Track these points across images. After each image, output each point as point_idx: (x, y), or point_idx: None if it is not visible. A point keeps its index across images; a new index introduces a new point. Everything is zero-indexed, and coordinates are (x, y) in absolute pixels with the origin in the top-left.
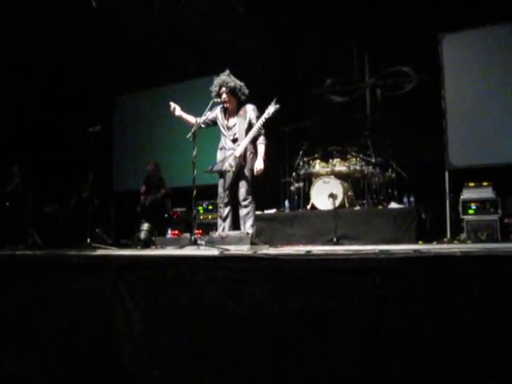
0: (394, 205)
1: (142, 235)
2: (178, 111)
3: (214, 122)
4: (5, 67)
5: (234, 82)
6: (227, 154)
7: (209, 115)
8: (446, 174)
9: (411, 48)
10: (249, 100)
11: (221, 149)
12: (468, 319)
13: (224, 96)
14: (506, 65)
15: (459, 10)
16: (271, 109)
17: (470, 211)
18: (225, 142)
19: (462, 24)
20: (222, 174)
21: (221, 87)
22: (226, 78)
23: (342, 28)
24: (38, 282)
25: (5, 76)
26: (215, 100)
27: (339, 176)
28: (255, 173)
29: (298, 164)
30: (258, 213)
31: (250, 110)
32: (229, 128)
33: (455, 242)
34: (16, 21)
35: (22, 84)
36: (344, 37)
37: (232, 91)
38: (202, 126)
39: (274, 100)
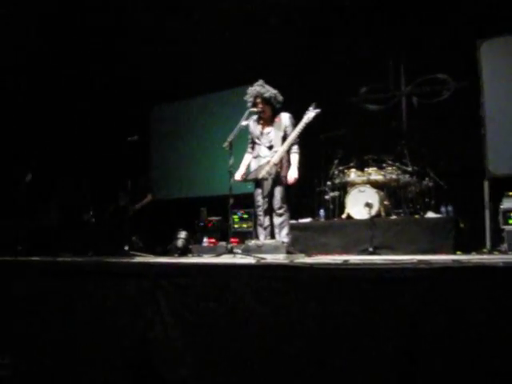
0: (431, 214)
1: (179, 243)
2: (242, 173)
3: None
4: (49, 81)
5: (268, 91)
6: (262, 162)
7: (244, 125)
8: (486, 182)
9: (448, 55)
10: (284, 108)
11: (255, 157)
12: (509, 331)
13: (260, 106)
14: None
15: (498, 16)
16: (311, 113)
17: (511, 221)
18: (259, 150)
19: (500, 30)
20: (258, 182)
21: (256, 97)
22: (260, 88)
23: (378, 35)
24: (77, 288)
25: (47, 90)
26: (251, 110)
27: (375, 185)
28: (289, 182)
29: (334, 173)
30: (293, 222)
31: (285, 118)
32: (264, 136)
33: (495, 252)
34: (60, 33)
35: (63, 97)
36: (379, 44)
37: (267, 101)
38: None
39: (314, 104)
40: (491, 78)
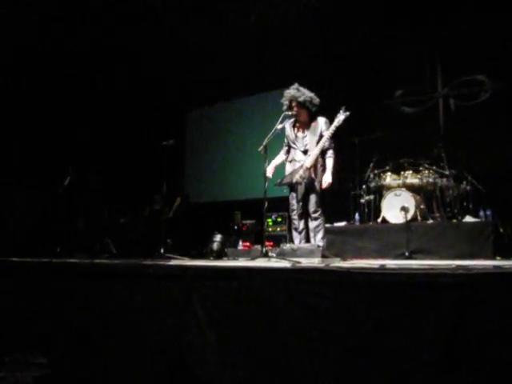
0: (469, 218)
1: (215, 246)
2: (272, 168)
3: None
4: (84, 85)
5: (303, 95)
6: (296, 166)
7: (280, 128)
8: None
9: (486, 55)
10: (320, 111)
11: (290, 161)
12: None
13: (295, 109)
14: None
15: None
16: (341, 117)
17: None
18: (295, 154)
19: None
20: (292, 186)
21: (291, 101)
22: (295, 92)
23: (414, 36)
24: (114, 291)
25: (82, 93)
26: (287, 113)
27: (411, 189)
28: (323, 186)
29: (369, 176)
30: (328, 225)
31: (321, 122)
32: (299, 140)
33: None
34: (92, 39)
35: (100, 100)
36: (415, 45)
37: (302, 105)
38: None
39: (343, 108)
40: None
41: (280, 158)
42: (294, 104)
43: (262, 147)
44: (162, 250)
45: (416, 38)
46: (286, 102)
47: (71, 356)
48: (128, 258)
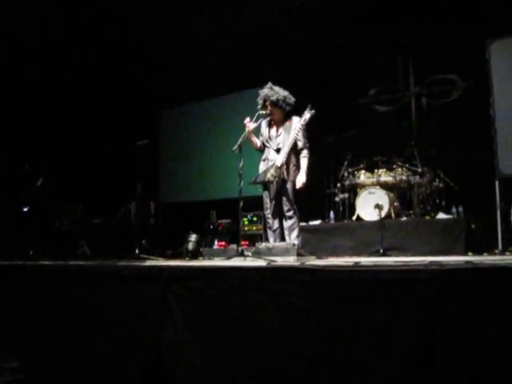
0: (441, 215)
1: (190, 246)
2: (253, 126)
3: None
4: (53, 83)
5: (276, 94)
6: (269, 165)
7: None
8: (497, 182)
9: (457, 55)
10: (294, 110)
11: (264, 160)
12: None
13: (269, 108)
14: None
15: (507, 15)
16: (307, 115)
17: None
18: (268, 152)
19: (509, 29)
20: (265, 185)
21: (265, 100)
22: (268, 91)
23: (386, 36)
24: (90, 292)
25: (53, 91)
26: (261, 112)
27: (385, 186)
28: (297, 186)
29: (343, 175)
30: (303, 224)
31: (296, 121)
32: (273, 139)
33: (507, 253)
34: (62, 36)
35: (71, 99)
36: (388, 45)
37: (275, 103)
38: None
39: (309, 106)
40: (501, 77)
41: (258, 142)
42: (267, 103)
43: (236, 146)
44: (136, 251)
45: (389, 37)
46: (260, 101)
47: (45, 360)
48: (103, 259)
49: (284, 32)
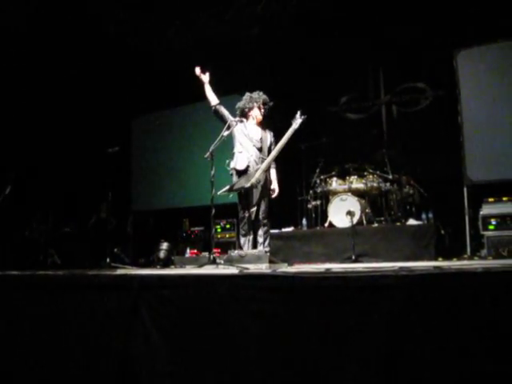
0: (412, 221)
1: (161, 254)
2: (206, 78)
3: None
4: (22, 89)
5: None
6: (250, 171)
7: (226, 135)
8: (465, 189)
9: (426, 64)
10: (266, 117)
11: (240, 152)
12: (490, 336)
13: (262, 111)
14: None
15: (473, 26)
16: (298, 120)
17: (491, 227)
18: (246, 146)
19: (476, 39)
20: (242, 192)
21: (264, 104)
22: (265, 96)
23: (357, 45)
24: (59, 302)
25: (23, 97)
26: (239, 119)
27: (356, 193)
28: (273, 196)
29: (315, 182)
30: (276, 231)
31: (271, 134)
32: (253, 135)
33: (476, 258)
34: (34, 44)
35: (41, 105)
36: (359, 54)
37: (266, 103)
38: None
39: (299, 112)
40: (468, 86)
41: (214, 98)
42: (266, 106)
43: (208, 154)
44: (107, 260)
45: (359, 46)
46: (251, 104)
47: (14, 370)
48: (73, 268)
49: (255, 41)
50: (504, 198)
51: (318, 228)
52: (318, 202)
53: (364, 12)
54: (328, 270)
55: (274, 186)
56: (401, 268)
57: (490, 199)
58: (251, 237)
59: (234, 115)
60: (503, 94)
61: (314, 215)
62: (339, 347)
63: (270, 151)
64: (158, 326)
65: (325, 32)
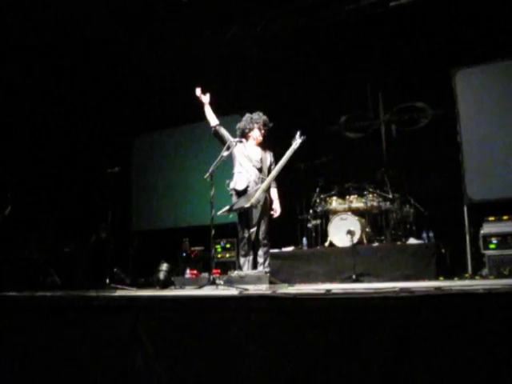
0: (412, 240)
1: (161, 275)
2: (206, 99)
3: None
4: (24, 109)
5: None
6: (250, 191)
7: (226, 155)
8: (465, 208)
9: (425, 83)
10: (266, 137)
11: (240, 172)
12: (493, 357)
13: (262, 132)
14: None
15: (472, 45)
16: (298, 140)
17: (492, 246)
18: (245, 166)
19: (474, 59)
20: (242, 212)
21: (265, 125)
22: (265, 117)
23: (356, 65)
24: (57, 324)
25: (23, 117)
26: (238, 140)
27: (356, 212)
28: (275, 215)
29: (315, 201)
30: (276, 251)
31: (271, 154)
32: (253, 156)
33: (477, 277)
34: (32, 64)
35: (42, 125)
36: (358, 74)
37: (266, 124)
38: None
39: (299, 132)
40: (467, 105)
41: (214, 118)
42: (266, 128)
43: (208, 174)
44: (107, 280)
45: (359, 66)
46: (251, 125)
47: None
48: (73, 288)
49: (255, 61)
50: (504, 217)
51: (319, 247)
52: (318, 222)
53: (364, 32)
54: (328, 291)
55: (276, 205)
56: (401, 289)
57: (491, 218)
58: (251, 257)
59: (234, 135)
60: (502, 112)
61: (314, 234)
62: (340, 369)
63: (269, 171)
64: (158, 349)
65: (325, 52)
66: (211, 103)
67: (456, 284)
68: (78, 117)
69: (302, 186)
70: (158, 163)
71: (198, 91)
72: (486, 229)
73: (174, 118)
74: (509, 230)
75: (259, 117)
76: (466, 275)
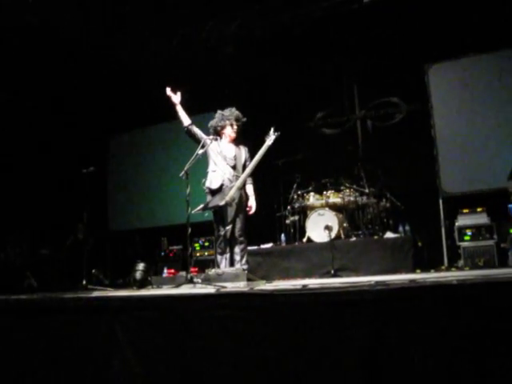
0: (389, 234)
1: (138, 275)
2: (177, 99)
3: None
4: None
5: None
6: (225, 189)
7: (201, 153)
8: (440, 201)
9: (399, 79)
10: (241, 134)
11: (214, 171)
12: (466, 348)
13: (235, 128)
14: (491, 91)
15: (444, 40)
16: (272, 137)
17: (466, 237)
18: (219, 164)
19: (447, 54)
20: (218, 209)
21: (237, 120)
22: (238, 112)
23: (331, 61)
24: (34, 327)
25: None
26: (213, 138)
27: (334, 208)
28: (250, 212)
29: (293, 197)
30: (254, 248)
31: (245, 150)
32: (226, 153)
33: (453, 269)
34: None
35: (17, 125)
36: (333, 70)
37: (242, 125)
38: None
39: (273, 128)
40: (440, 100)
41: (187, 118)
42: (239, 123)
43: (183, 173)
44: (84, 282)
45: (334, 62)
46: (224, 122)
47: None
48: (50, 290)
49: (230, 57)
50: (478, 209)
51: (297, 243)
52: (296, 218)
53: (338, 28)
54: (305, 286)
55: (252, 202)
56: (377, 282)
57: (465, 210)
58: (228, 255)
59: (207, 134)
60: (475, 106)
61: (292, 231)
62: (317, 363)
63: (244, 168)
64: (135, 348)
65: (300, 49)
66: (182, 103)
67: (431, 276)
68: (53, 117)
69: (279, 182)
70: (134, 162)
71: (168, 90)
72: (461, 221)
73: (150, 117)
74: (483, 222)
75: (231, 113)
76: (443, 267)
